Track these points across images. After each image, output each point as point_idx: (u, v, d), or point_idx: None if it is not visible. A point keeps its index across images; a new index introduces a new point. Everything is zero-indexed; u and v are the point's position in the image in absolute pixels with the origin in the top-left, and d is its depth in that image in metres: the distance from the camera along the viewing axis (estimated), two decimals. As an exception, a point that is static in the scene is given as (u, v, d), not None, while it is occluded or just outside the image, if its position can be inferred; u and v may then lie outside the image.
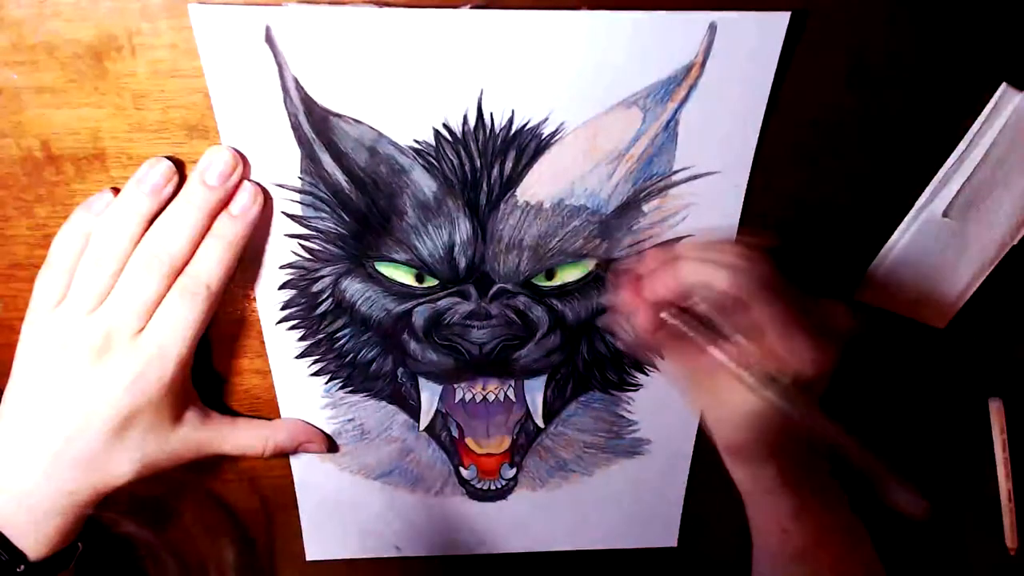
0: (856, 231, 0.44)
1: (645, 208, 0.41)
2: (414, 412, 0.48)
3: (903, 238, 0.43)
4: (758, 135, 0.39)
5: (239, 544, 0.45)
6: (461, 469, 0.50)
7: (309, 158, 0.38)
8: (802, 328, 0.35)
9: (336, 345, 0.44)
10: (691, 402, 0.42)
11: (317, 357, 0.45)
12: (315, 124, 0.37)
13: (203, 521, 0.44)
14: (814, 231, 0.43)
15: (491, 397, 0.47)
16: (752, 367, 0.35)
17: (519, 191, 0.39)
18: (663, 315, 0.38)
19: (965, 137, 0.40)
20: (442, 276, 0.42)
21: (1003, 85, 0.38)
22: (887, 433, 0.52)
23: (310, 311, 0.43)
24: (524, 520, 0.53)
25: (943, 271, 0.44)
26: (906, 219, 0.43)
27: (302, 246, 0.40)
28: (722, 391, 0.38)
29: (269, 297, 0.42)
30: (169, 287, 0.36)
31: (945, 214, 0.42)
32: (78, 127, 0.36)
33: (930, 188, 0.42)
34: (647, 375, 0.47)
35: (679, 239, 0.41)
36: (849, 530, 0.43)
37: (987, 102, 0.39)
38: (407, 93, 0.36)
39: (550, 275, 0.43)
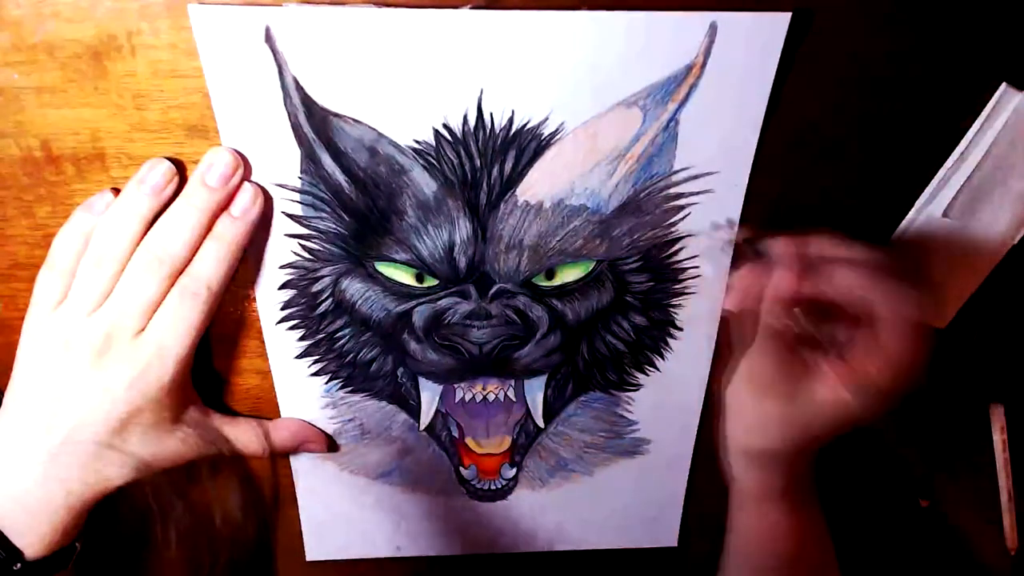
0: (856, 231, 0.43)
1: (645, 208, 0.41)
2: (414, 412, 0.48)
3: (903, 238, 0.43)
4: (758, 135, 0.39)
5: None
6: (461, 469, 0.50)
7: (309, 158, 0.38)
8: (918, 356, 0.35)
9: (336, 345, 0.44)
10: (743, 393, 0.40)
11: (317, 357, 0.45)
12: (315, 124, 0.37)
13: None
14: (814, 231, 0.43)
15: (491, 397, 0.47)
16: (849, 378, 0.35)
17: (519, 191, 0.39)
18: (796, 311, 0.35)
19: (965, 137, 0.40)
20: (442, 276, 0.42)
21: (1003, 85, 0.38)
22: (887, 433, 0.52)
23: (310, 311, 0.43)
24: (524, 520, 0.53)
25: (943, 271, 0.44)
26: (906, 219, 0.43)
27: (302, 246, 0.40)
28: (797, 395, 0.37)
29: (269, 297, 0.42)
30: (169, 288, 0.36)
31: (945, 214, 0.42)
32: (78, 127, 0.36)
33: (930, 188, 0.42)
34: (647, 375, 0.47)
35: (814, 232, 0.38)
36: (825, 544, 0.44)
37: (987, 102, 0.39)
38: (407, 93, 0.36)
39: (550, 275, 0.43)
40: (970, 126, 0.40)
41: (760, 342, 0.38)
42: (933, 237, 0.43)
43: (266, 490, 0.50)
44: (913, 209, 0.42)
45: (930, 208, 0.42)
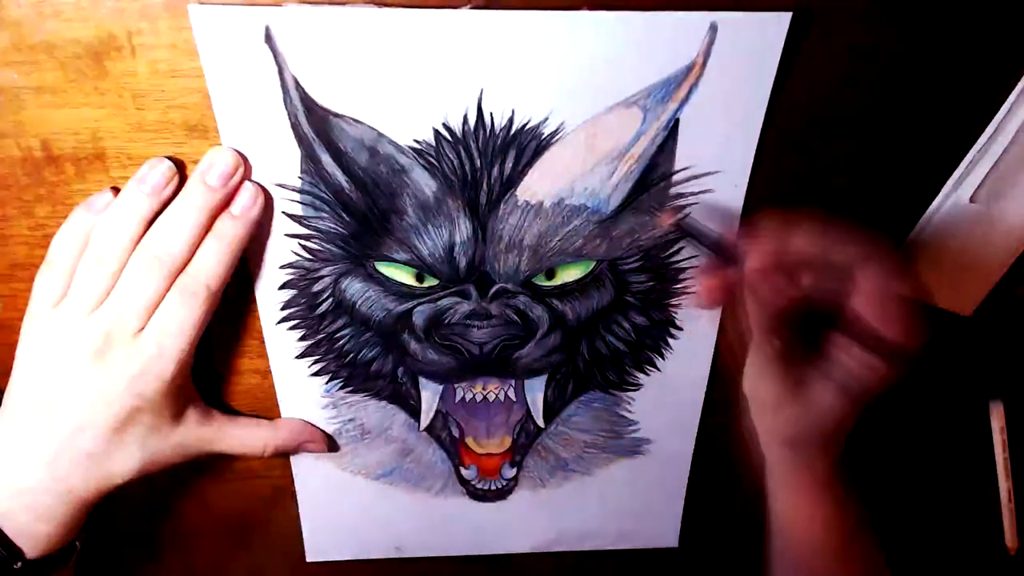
0: (877, 221, 0.43)
1: (645, 208, 0.41)
2: (414, 412, 0.48)
3: (929, 225, 0.43)
4: (759, 135, 0.39)
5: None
6: (461, 469, 0.50)
7: (309, 158, 0.38)
8: (910, 317, 0.35)
9: (336, 345, 0.44)
10: (761, 385, 0.40)
11: (317, 357, 0.45)
12: (315, 124, 0.37)
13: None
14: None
15: (491, 397, 0.47)
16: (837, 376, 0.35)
17: (519, 191, 0.39)
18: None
19: (992, 123, 0.39)
20: (442, 276, 0.42)
21: None
22: (888, 432, 0.52)
23: (310, 311, 0.43)
24: (524, 520, 0.53)
25: (970, 257, 0.44)
26: (932, 205, 0.42)
27: (302, 246, 0.40)
28: (818, 382, 0.38)
29: (269, 297, 0.42)
30: (169, 287, 0.36)
31: (972, 199, 0.41)
32: (78, 127, 0.36)
33: (957, 174, 0.41)
34: (647, 375, 0.47)
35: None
36: (870, 527, 0.43)
37: (1013, 87, 0.38)
38: (407, 93, 0.36)
39: (550, 275, 0.43)
40: (996, 112, 0.39)
41: (757, 338, 0.38)
42: (960, 223, 0.42)
43: (266, 490, 0.50)
44: (939, 195, 0.42)
45: (957, 194, 0.41)
